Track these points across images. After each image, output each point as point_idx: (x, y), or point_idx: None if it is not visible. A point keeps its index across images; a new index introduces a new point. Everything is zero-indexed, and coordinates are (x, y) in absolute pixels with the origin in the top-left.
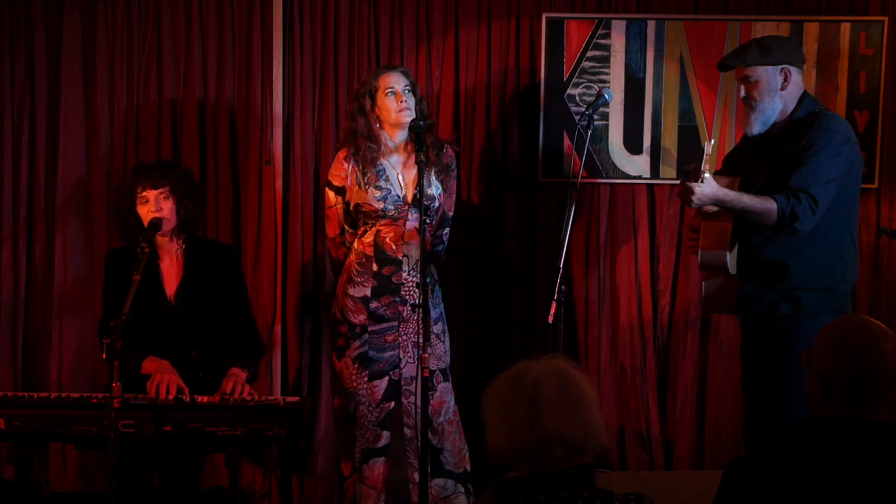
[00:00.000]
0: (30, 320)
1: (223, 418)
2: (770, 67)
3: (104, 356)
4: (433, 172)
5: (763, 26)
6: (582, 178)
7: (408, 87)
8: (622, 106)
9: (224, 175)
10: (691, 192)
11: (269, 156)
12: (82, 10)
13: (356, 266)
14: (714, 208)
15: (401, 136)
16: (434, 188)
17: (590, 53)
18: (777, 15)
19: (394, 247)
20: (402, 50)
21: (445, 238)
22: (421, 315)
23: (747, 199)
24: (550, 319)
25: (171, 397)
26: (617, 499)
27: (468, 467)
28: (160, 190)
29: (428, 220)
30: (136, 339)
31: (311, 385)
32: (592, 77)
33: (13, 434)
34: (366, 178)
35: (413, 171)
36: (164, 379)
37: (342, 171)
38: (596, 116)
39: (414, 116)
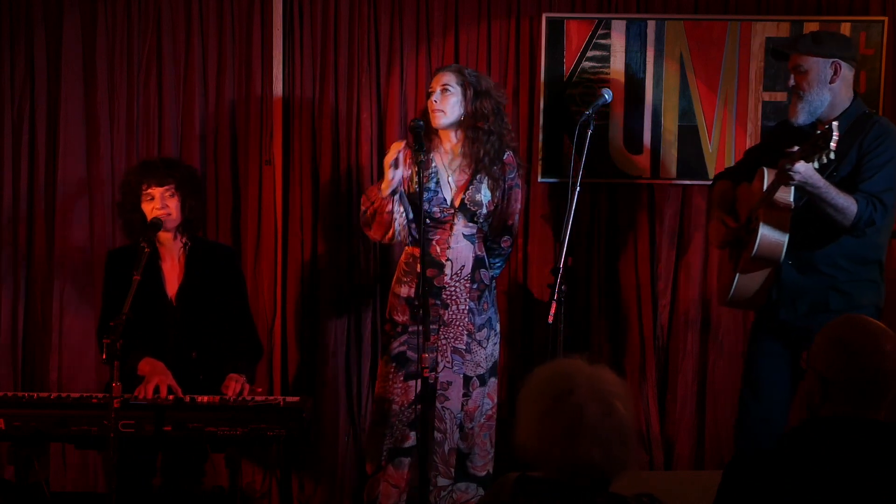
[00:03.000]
0: (30, 320)
1: (223, 418)
2: (821, 59)
3: (104, 356)
4: (485, 180)
5: (763, 26)
6: (582, 178)
7: (447, 86)
8: (622, 106)
9: (224, 175)
10: (796, 170)
11: (269, 156)
12: (82, 10)
13: (403, 266)
14: (783, 201)
15: (453, 137)
16: (483, 195)
17: (590, 53)
18: (777, 15)
19: (438, 250)
20: (402, 50)
21: (505, 245)
22: (444, 317)
23: (834, 192)
24: (550, 319)
25: (161, 397)
26: (630, 500)
27: (491, 470)
28: (166, 187)
29: (476, 227)
30: (136, 339)
31: (311, 385)
32: (592, 77)
33: (13, 434)
34: (419, 177)
35: (465, 177)
36: (152, 381)
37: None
38: (596, 116)
39: (446, 118)
